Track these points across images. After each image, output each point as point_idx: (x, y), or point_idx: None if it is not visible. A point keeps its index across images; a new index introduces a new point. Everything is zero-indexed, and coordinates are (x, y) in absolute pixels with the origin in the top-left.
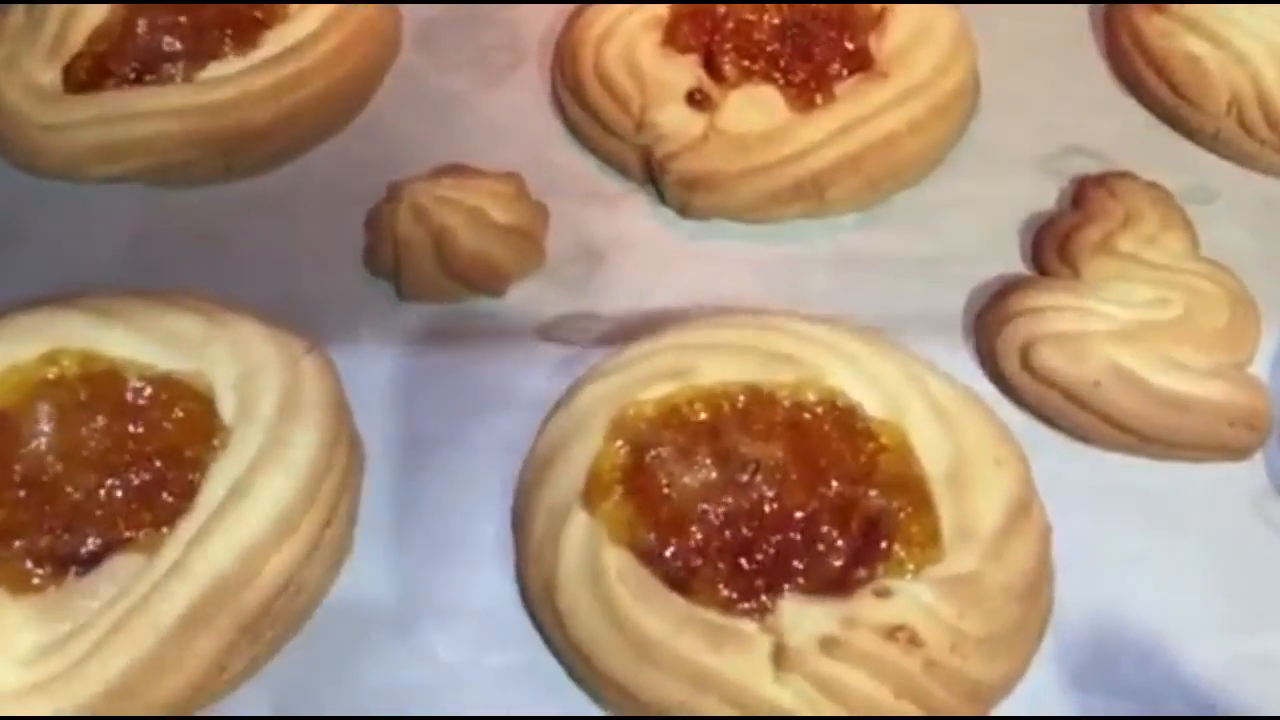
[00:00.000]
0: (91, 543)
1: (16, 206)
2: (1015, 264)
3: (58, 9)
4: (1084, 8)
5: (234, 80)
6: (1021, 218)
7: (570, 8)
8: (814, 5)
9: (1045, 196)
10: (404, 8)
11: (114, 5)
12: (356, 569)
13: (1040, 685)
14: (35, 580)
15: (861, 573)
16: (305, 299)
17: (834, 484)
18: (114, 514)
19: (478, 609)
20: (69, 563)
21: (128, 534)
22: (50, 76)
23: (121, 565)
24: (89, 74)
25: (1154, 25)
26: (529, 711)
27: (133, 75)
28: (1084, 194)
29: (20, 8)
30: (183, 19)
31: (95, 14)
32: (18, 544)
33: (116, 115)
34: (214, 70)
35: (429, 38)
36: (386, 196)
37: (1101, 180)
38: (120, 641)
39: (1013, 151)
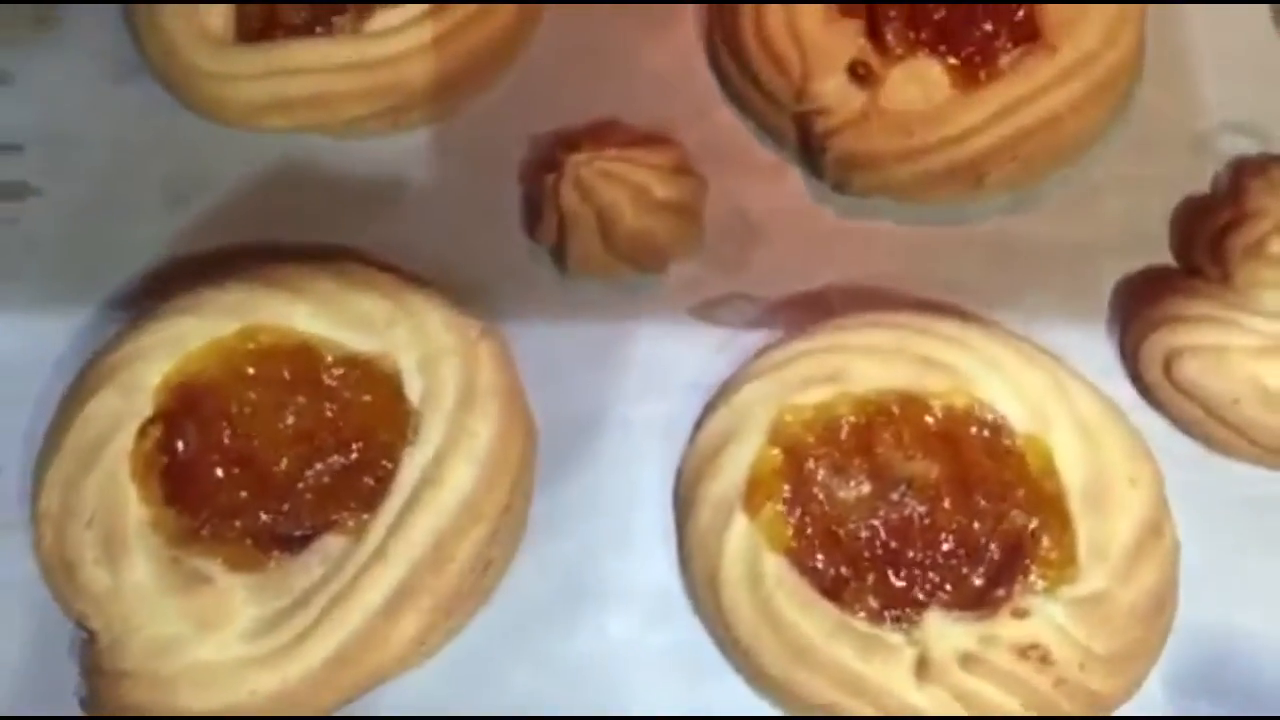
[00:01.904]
0: (303, 524)
1: (198, 154)
2: (1163, 253)
3: None
4: None
5: (398, 34)
6: (1174, 201)
7: None
8: None
9: (1200, 178)
10: None
11: None
12: (533, 546)
13: (1153, 690)
14: (254, 558)
15: (1001, 591)
16: (471, 263)
17: (980, 502)
18: (323, 497)
19: (643, 589)
20: (283, 542)
21: (334, 516)
22: (221, 20)
23: (330, 546)
24: (262, 22)
25: None
26: (691, 690)
27: (301, 23)
28: (1241, 184)
29: None
30: None
31: None
32: (238, 523)
33: (285, 69)
34: (380, 21)
35: None
36: (548, 166)
37: (1260, 169)
38: (334, 620)
39: (1171, 127)
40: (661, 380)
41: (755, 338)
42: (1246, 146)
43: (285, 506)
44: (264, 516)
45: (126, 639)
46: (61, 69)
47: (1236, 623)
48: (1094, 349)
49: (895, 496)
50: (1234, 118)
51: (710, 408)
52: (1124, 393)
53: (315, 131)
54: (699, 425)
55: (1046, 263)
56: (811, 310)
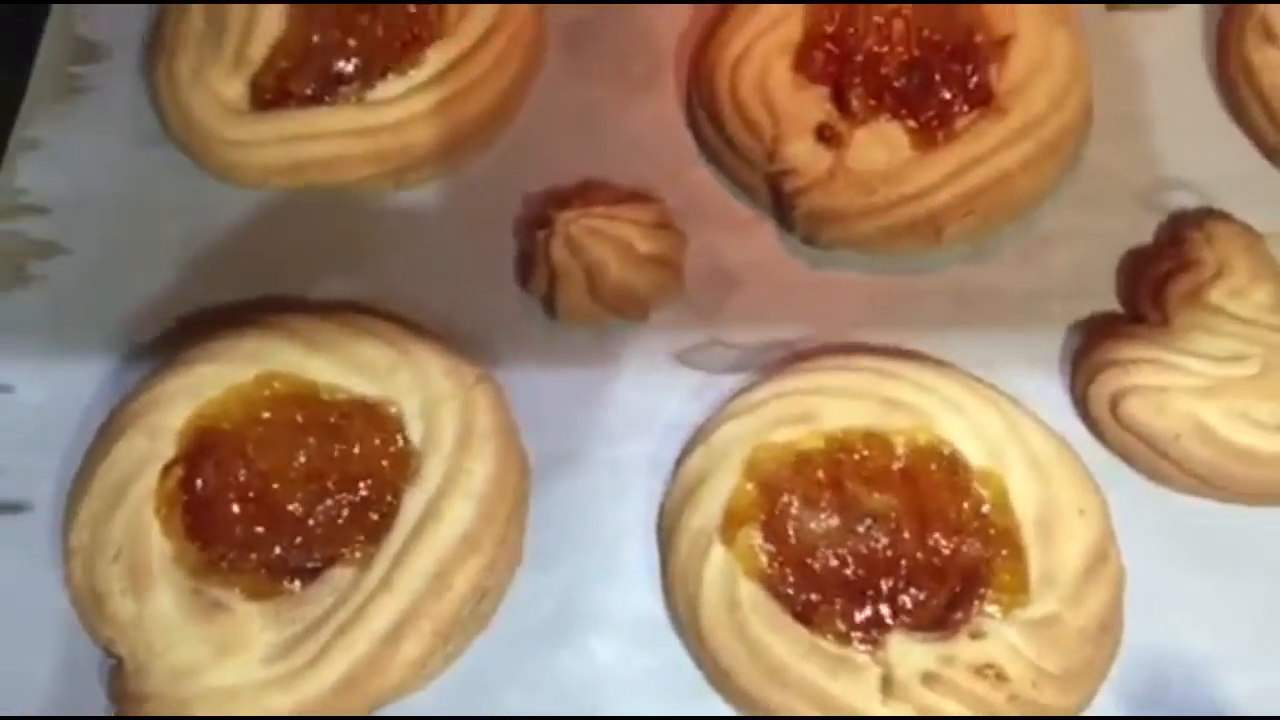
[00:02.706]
0: (314, 556)
1: (215, 214)
2: (1110, 300)
3: (236, 21)
4: (1198, 30)
5: (401, 102)
6: (1120, 252)
7: (706, 13)
8: (939, 40)
9: (1144, 230)
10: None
11: (288, 16)
12: (527, 576)
13: (1103, 706)
14: (269, 588)
15: (959, 615)
16: (468, 312)
17: (939, 532)
18: (332, 531)
19: (629, 616)
20: (296, 573)
21: (343, 549)
22: (237, 91)
23: (339, 576)
24: (273, 93)
25: (1265, 57)
26: (674, 709)
27: (310, 94)
28: (1180, 236)
29: (197, 11)
30: (352, 42)
31: (272, 27)
32: (254, 556)
33: (299, 135)
34: (382, 90)
35: (571, 46)
36: (539, 223)
37: (1198, 223)
38: (342, 646)
39: (1117, 183)
40: (645, 421)
41: (732, 380)
42: (1187, 201)
43: (298, 540)
44: (278, 549)
45: (151, 664)
46: (87, 135)
47: (1180, 642)
48: (1046, 389)
49: (861, 528)
50: (1175, 174)
51: (690, 446)
52: (1074, 430)
53: (324, 191)
54: (680, 463)
55: (1002, 309)
56: (784, 354)
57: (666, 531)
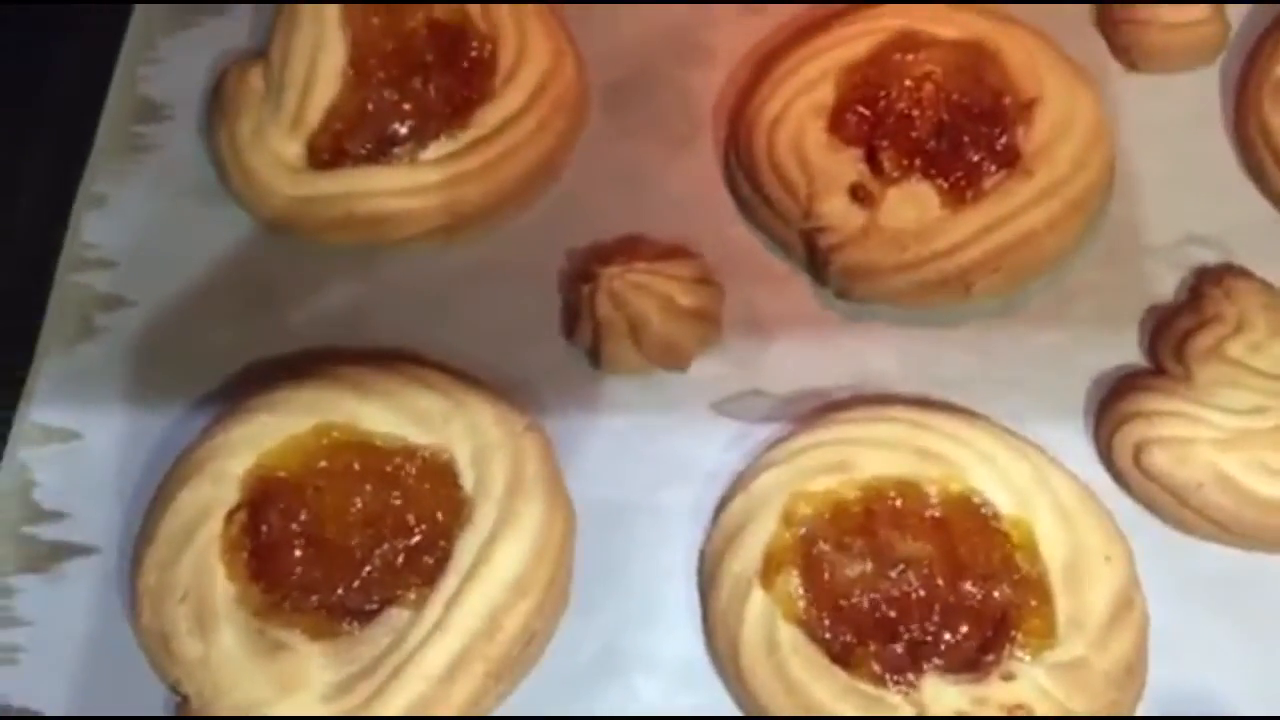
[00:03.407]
0: (372, 598)
1: (274, 268)
2: (1134, 353)
3: (294, 84)
4: (1216, 91)
5: (451, 162)
6: (1143, 307)
7: (743, 75)
8: (967, 103)
9: (1166, 286)
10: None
11: (344, 79)
12: (573, 618)
13: None
14: (329, 628)
15: (990, 657)
16: (516, 363)
17: (970, 579)
18: (388, 574)
19: (671, 657)
20: (354, 614)
21: (399, 591)
22: (295, 150)
23: (395, 618)
24: (330, 153)
25: None
26: None
27: (365, 153)
28: (1201, 291)
29: (257, 72)
30: (406, 105)
31: (329, 90)
32: (315, 598)
33: (354, 193)
34: (434, 150)
35: (612, 107)
36: (583, 278)
37: (1219, 279)
38: (398, 685)
39: (1139, 240)
40: (685, 469)
41: (769, 430)
42: (1207, 257)
43: (356, 583)
44: (337, 591)
45: (216, 702)
46: (151, 192)
47: (1203, 686)
48: (1072, 440)
49: (895, 574)
50: (1196, 230)
51: (730, 494)
52: (1099, 479)
53: (378, 246)
54: (720, 509)
55: (1029, 362)
56: (818, 405)
57: (708, 576)
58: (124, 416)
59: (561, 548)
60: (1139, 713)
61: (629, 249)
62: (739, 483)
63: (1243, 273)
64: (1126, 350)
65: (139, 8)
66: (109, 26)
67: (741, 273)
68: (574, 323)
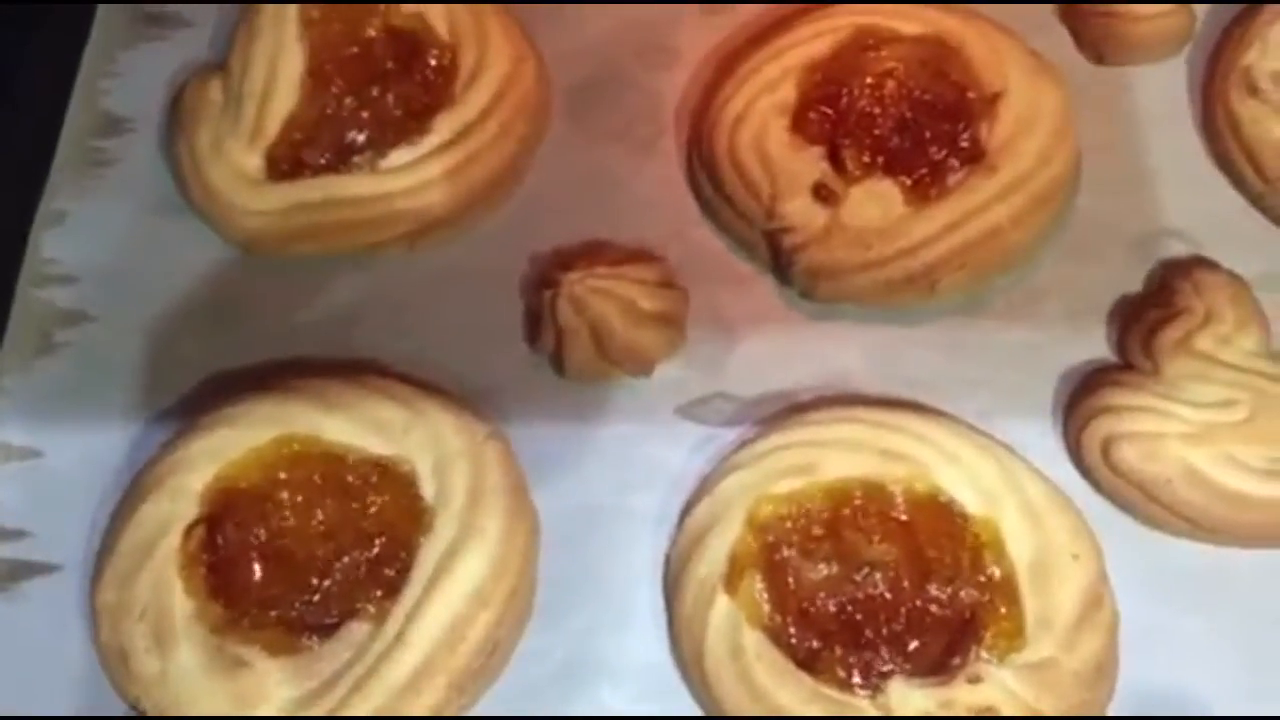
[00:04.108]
0: (332, 612)
1: (234, 280)
2: (1102, 348)
3: (251, 95)
4: (1183, 83)
5: (412, 169)
6: (1110, 301)
7: (705, 76)
8: (930, 99)
9: (1134, 279)
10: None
11: (301, 89)
12: (538, 627)
13: None
14: (288, 644)
15: (957, 660)
16: (478, 371)
17: (937, 581)
18: (348, 588)
19: (637, 665)
20: (314, 629)
21: (359, 605)
22: (254, 163)
23: (356, 632)
24: (289, 164)
25: (1248, 110)
26: None
27: (324, 163)
28: (1169, 284)
29: (216, 85)
30: (364, 113)
31: (287, 101)
32: (274, 613)
33: (314, 203)
34: (394, 159)
35: (575, 111)
36: (546, 283)
37: (1187, 272)
38: (359, 699)
39: (1107, 233)
40: (649, 474)
41: (734, 433)
42: (1175, 249)
43: (316, 596)
44: (297, 606)
45: None
46: (111, 207)
47: (1175, 684)
48: (1040, 437)
49: (860, 577)
50: (1164, 223)
51: (694, 498)
52: (1067, 476)
53: (339, 256)
54: (684, 514)
55: (996, 359)
56: (783, 406)
57: (672, 581)
58: (85, 433)
59: (524, 557)
60: (1110, 713)
61: (591, 253)
62: (703, 487)
63: (1211, 265)
64: (1094, 345)
65: (98, 21)
66: (69, 40)
67: (705, 275)
68: (536, 329)
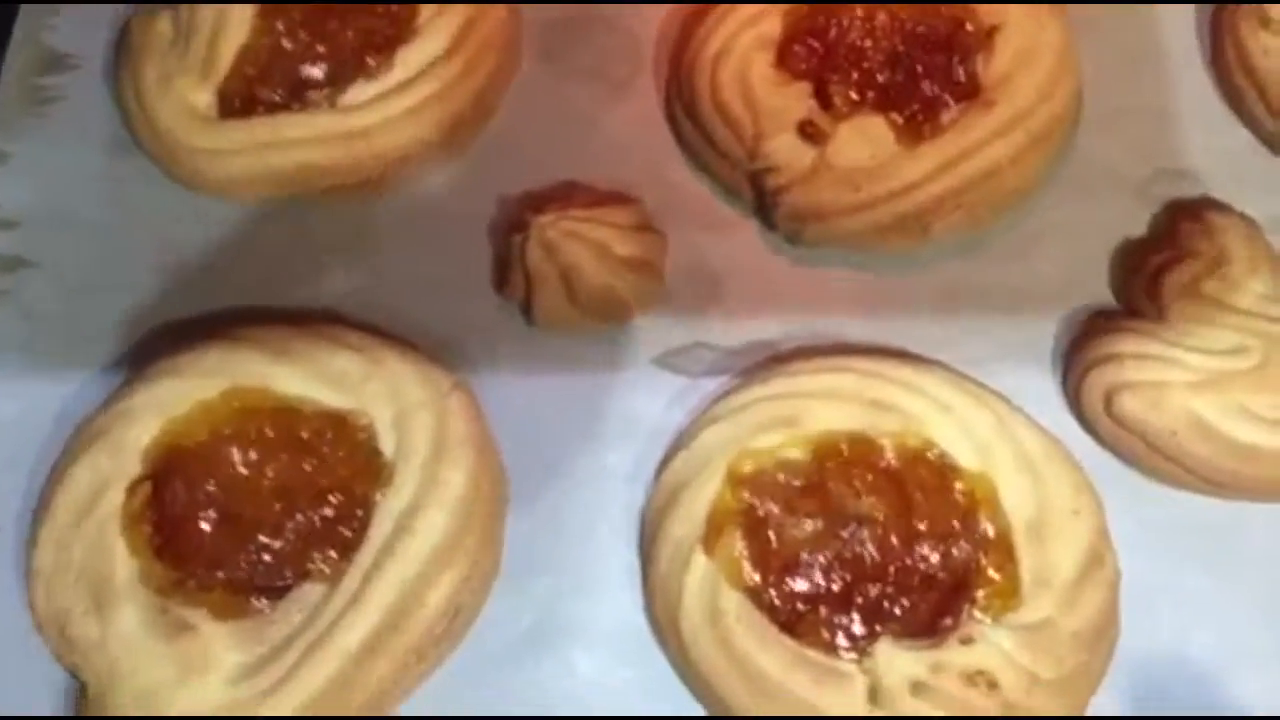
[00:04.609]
0: (283, 574)
1: (185, 224)
2: (1104, 294)
3: (202, 28)
4: (1192, 18)
5: (372, 107)
6: (1113, 245)
7: (685, 11)
8: (923, 32)
9: (1138, 222)
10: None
11: (255, 22)
12: (505, 590)
13: (1097, 712)
14: (237, 607)
15: (948, 620)
16: (443, 320)
17: (928, 538)
18: (302, 547)
19: (610, 628)
20: (265, 591)
21: (313, 566)
22: (205, 99)
23: (309, 594)
24: (242, 101)
25: (1259, 42)
26: None
27: (279, 100)
28: (1176, 227)
29: (165, 18)
30: (321, 47)
31: (239, 34)
32: (220, 574)
33: (269, 142)
34: (353, 95)
35: (548, 47)
36: (515, 227)
37: (1195, 213)
38: (312, 666)
39: (1110, 173)
40: (625, 428)
41: (715, 384)
42: (1182, 190)
43: (267, 557)
44: (247, 567)
45: (115, 687)
46: (56, 147)
47: (1180, 645)
48: (1038, 388)
49: (846, 534)
50: (1170, 164)
51: (671, 452)
52: (1067, 428)
53: (295, 199)
54: (661, 469)
55: (992, 306)
56: (767, 356)
57: (647, 540)
58: (26, 384)
59: (490, 514)
60: (1110, 675)
61: (563, 196)
62: (680, 440)
63: (1220, 206)
64: (1096, 291)
65: None
66: None
67: (685, 219)
68: (505, 275)
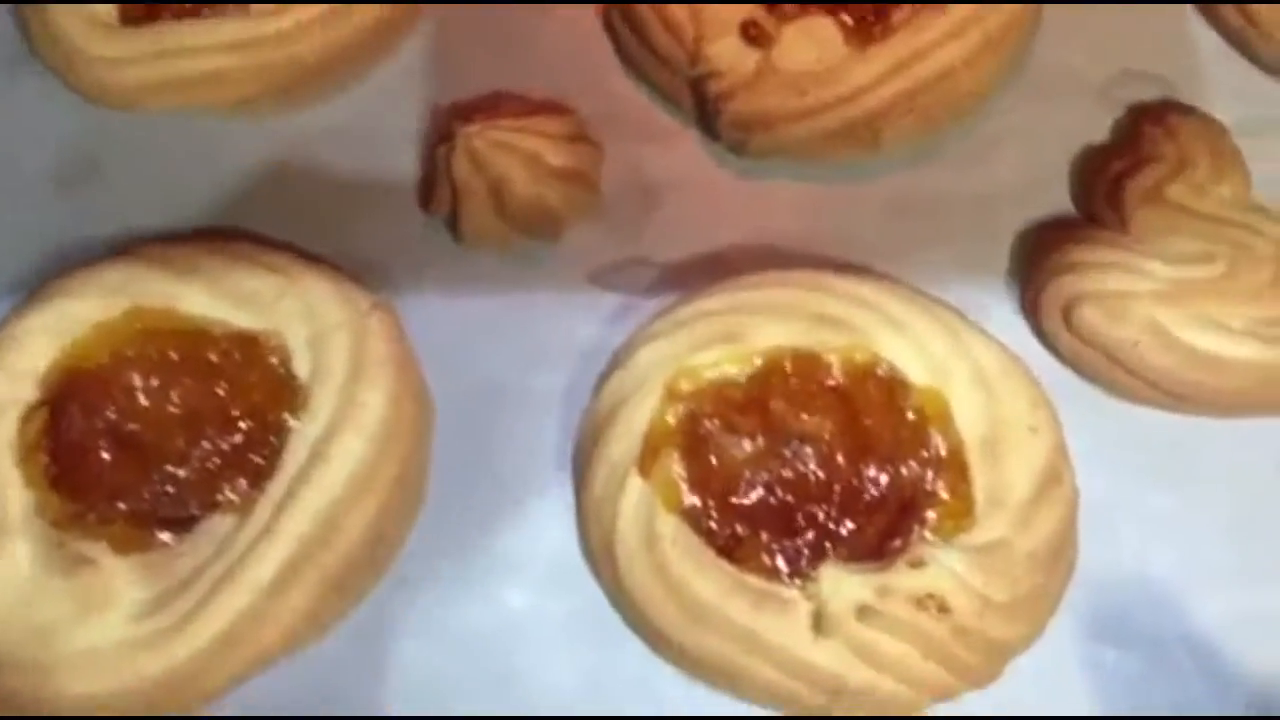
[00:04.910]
0: (190, 505)
1: (86, 139)
2: (1064, 203)
3: None
4: None
5: (285, 10)
6: (1073, 151)
7: None
8: None
9: (1099, 127)
10: None
11: None
12: (430, 519)
13: (1056, 636)
14: (139, 540)
15: (897, 542)
16: (364, 238)
17: (875, 456)
18: (209, 477)
19: (541, 558)
20: (171, 524)
21: (222, 496)
22: (106, 6)
23: (218, 525)
24: (145, 7)
25: None
26: (591, 656)
27: (185, 5)
28: (1139, 130)
29: None
30: None
31: None
32: (122, 505)
33: (173, 50)
34: None
35: None
36: (441, 137)
37: (1159, 118)
38: (221, 599)
39: (1071, 76)
40: (558, 349)
41: (654, 303)
42: (1145, 93)
43: (171, 487)
44: (150, 498)
45: (7, 626)
46: None
47: (1141, 566)
48: (995, 301)
49: (789, 453)
50: (1132, 65)
51: (607, 372)
52: (1025, 343)
53: (207, 111)
54: (596, 389)
55: (946, 216)
56: (711, 272)
57: (581, 464)
58: None
59: (413, 439)
60: (1068, 598)
61: (492, 105)
62: (616, 359)
63: (1184, 109)
64: (1055, 200)
65: None
66: None
67: (624, 130)
68: (430, 190)
